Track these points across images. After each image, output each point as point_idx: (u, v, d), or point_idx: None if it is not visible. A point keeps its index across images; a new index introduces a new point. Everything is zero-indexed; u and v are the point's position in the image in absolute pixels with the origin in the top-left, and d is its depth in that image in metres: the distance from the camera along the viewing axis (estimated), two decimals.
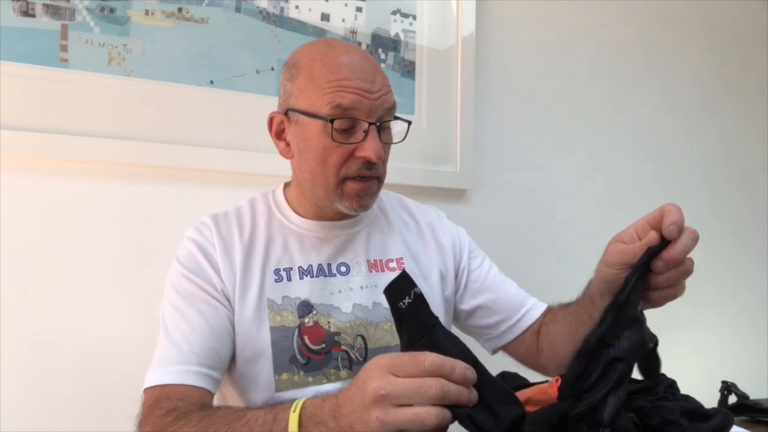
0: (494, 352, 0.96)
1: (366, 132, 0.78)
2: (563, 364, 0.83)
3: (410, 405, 0.51)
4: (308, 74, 0.79)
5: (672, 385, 0.72)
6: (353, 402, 0.53)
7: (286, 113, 0.82)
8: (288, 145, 0.84)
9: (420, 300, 0.59)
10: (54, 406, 1.01)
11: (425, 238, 0.94)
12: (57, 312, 1.02)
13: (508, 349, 0.94)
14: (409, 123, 0.86)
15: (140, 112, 1.07)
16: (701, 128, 1.74)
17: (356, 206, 0.81)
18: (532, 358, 0.92)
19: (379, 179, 0.83)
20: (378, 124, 0.79)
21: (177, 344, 0.76)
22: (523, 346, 0.92)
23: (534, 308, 0.92)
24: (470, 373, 0.53)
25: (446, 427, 0.52)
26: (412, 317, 0.58)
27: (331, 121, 0.76)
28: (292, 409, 0.58)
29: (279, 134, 0.85)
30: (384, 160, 0.83)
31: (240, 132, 1.14)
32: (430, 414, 0.50)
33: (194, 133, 1.11)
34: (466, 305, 0.94)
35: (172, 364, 0.75)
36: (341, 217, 0.87)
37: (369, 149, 0.77)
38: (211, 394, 0.76)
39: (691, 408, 0.65)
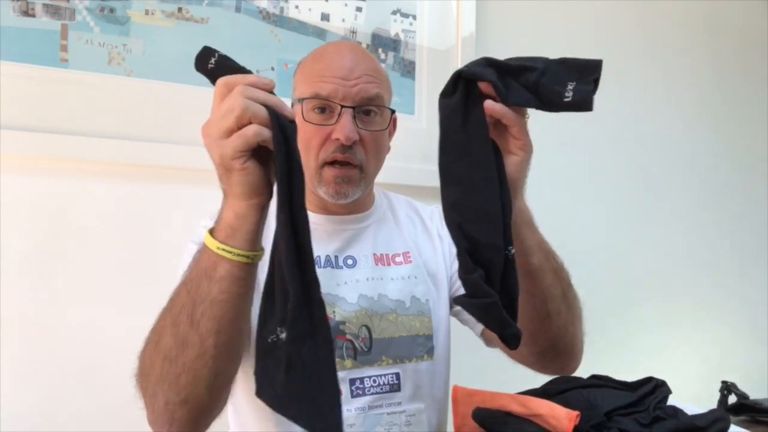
0: (487, 343, 0.93)
1: (339, 114, 0.79)
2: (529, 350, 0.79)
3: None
4: (302, 68, 0.86)
5: (662, 398, 0.68)
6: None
7: (291, 107, 0.85)
8: None
9: (226, 57, 0.62)
10: (54, 406, 1.01)
11: (431, 235, 0.95)
12: (57, 312, 1.02)
13: (488, 336, 0.90)
14: (393, 111, 0.86)
15: (140, 112, 1.07)
16: (701, 128, 1.74)
17: (333, 192, 0.82)
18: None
19: (361, 168, 0.82)
20: (353, 108, 0.80)
21: None
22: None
23: None
24: (264, 79, 0.58)
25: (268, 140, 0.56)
26: (227, 68, 0.61)
27: (301, 101, 0.80)
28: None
29: None
30: (369, 150, 0.82)
31: None
32: (249, 129, 0.56)
33: (194, 133, 1.10)
34: (452, 289, 0.94)
35: None
36: (347, 211, 0.88)
37: (340, 131, 0.78)
38: None
39: (685, 427, 0.63)
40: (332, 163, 0.81)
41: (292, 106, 0.85)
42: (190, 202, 1.11)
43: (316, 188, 0.83)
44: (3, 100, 0.98)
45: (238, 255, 0.59)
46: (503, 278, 0.60)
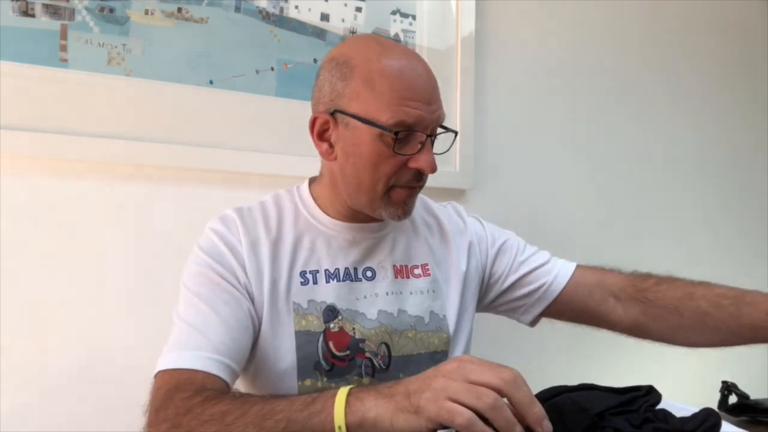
0: (533, 322, 0.95)
1: (422, 144, 0.76)
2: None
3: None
4: (366, 78, 0.75)
5: (653, 403, 0.65)
6: (420, 377, 0.56)
7: (332, 114, 0.78)
8: (331, 146, 0.79)
9: None
10: (54, 406, 1.01)
11: (448, 241, 0.92)
12: (57, 312, 1.02)
13: (553, 312, 0.93)
14: (456, 133, 0.85)
15: (140, 112, 1.07)
16: (703, 129, 1.74)
17: (401, 213, 0.80)
18: (592, 317, 0.91)
19: (421, 187, 0.82)
20: (433, 136, 0.78)
21: (201, 331, 0.72)
22: (569, 306, 0.92)
23: (564, 268, 0.94)
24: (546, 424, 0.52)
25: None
26: None
27: (396, 134, 0.73)
28: (339, 389, 0.58)
29: (321, 135, 0.80)
30: None
31: (240, 132, 1.14)
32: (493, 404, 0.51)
33: (194, 133, 1.11)
34: (494, 292, 0.94)
35: (195, 350, 0.70)
36: (370, 219, 0.85)
37: (424, 162, 0.76)
38: (230, 390, 0.72)
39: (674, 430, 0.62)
40: (402, 186, 0.78)
41: (332, 114, 0.77)
42: (190, 202, 1.11)
43: (377, 210, 0.79)
44: (3, 100, 0.98)
45: None
46: None
